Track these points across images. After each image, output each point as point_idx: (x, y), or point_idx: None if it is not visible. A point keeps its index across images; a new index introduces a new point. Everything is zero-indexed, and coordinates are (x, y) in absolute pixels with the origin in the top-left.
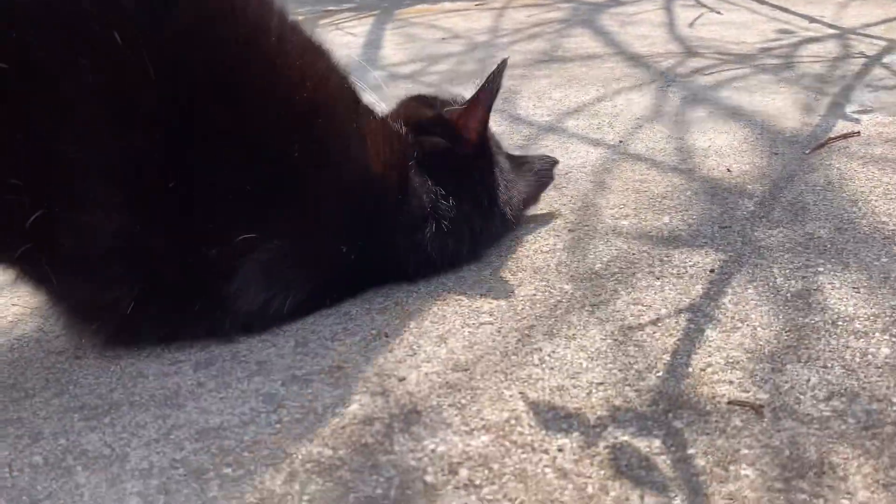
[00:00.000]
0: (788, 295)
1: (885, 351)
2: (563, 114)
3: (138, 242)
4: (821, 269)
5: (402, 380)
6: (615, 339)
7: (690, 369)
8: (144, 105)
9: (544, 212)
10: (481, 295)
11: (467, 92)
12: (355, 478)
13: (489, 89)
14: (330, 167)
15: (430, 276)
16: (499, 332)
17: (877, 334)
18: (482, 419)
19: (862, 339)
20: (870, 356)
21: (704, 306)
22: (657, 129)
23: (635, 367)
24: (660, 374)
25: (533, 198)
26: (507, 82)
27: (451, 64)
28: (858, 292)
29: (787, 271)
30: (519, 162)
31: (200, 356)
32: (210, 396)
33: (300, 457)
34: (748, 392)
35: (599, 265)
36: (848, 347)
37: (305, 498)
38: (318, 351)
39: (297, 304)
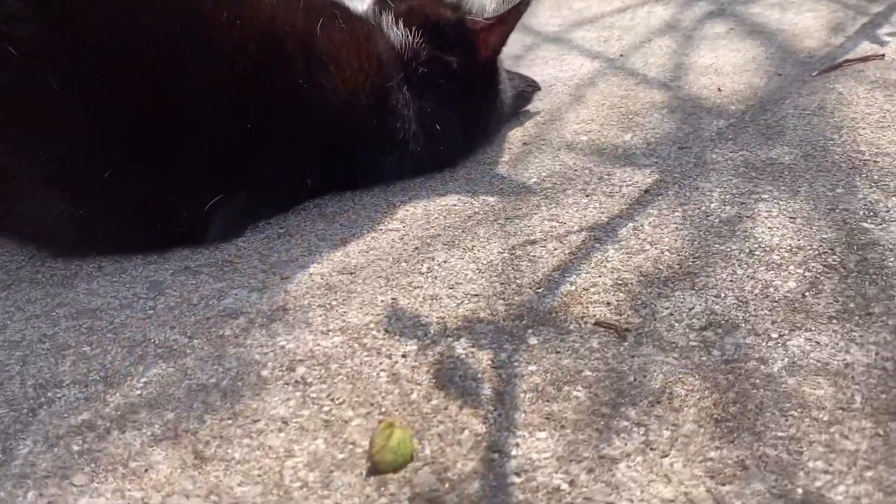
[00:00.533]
0: (717, 221)
1: (791, 285)
2: (574, 24)
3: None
4: (765, 195)
5: (285, 278)
6: (512, 254)
7: (573, 288)
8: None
9: (509, 123)
10: (402, 202)
11: None
12: (196, 366)
13: (519, 10)
14: (280, 95)
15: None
16: (401, 239)
17: (790, 267)
18: (343, 321)
19: (772, 272)
20: (771, 289)
21: (619, 226)
22: (665, 44)
23: (518, 281)
24: (540, 290)
25: (504, 118)
26: None
27: None
28: (794, 222)
29: (728, 196)
30: (508, 77)
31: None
32: (104, 280)
33: (155, 342)
34: (621, 315)
35: (535, 180)
36: (752, 279)
37: (143, 380)
38: (218, 246)
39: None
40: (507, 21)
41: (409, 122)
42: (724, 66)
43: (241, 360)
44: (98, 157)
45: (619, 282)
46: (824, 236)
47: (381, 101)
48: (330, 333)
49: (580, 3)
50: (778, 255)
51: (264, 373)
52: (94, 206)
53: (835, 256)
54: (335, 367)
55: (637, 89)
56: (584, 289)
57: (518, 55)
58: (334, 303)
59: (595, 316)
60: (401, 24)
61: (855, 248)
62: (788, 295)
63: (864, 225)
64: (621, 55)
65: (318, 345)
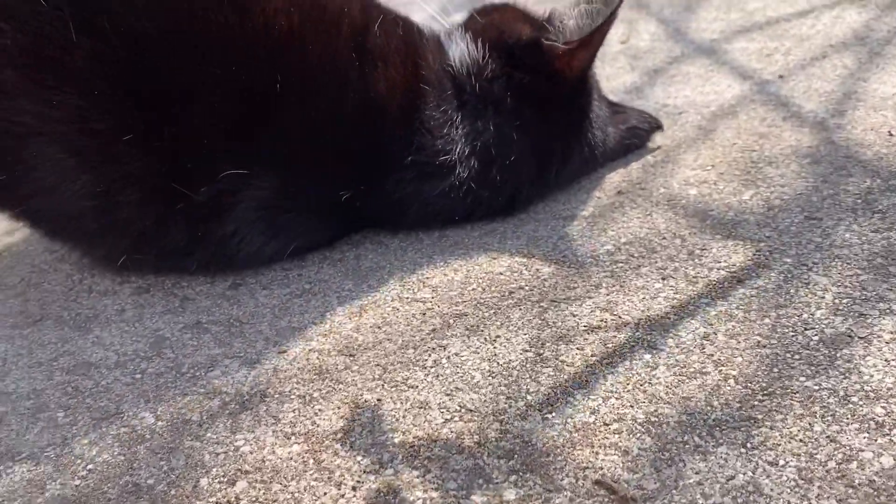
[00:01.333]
0: (815, 339)
1: (886, 463)
2: (739, 31)
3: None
4: (895, 305)
5: (282, 352)
6: (538, 354)
7: (592, 419)
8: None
9: (611, 163)
10: (446, 262)
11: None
12: (145, 458)
13: (604, 30)
14: (316, 92)
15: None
16: (423, 314)
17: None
18: (312, 424)
19: (865, 436)
20: (855, 465)
21: (686, 330)
22: (841, 62)
23: (529, 397)
24: (549, 415)
25: (612, 158)
26: None
27: None
28: None
29: (844, 302)
30: (614, 111)
31: (146, 281)
32: (116, 327)
33: (124, 418)
34: (635, 474)
35: (609, 247)
36: (833, 442)
37: (90, 466)
38: (240, 299)
39: (296, 250)
40: (592, 43)
41: (458, 142)
42: None
43: (190, 459)
44: (116, 119)
45: (654, 419)
46: None
47: (423, 112)
48: (292, 439)
49: (755, 4)
50: (884, 407)
51: (203, 482)
52: (113, 181)
53: None
54: (276, 489)
55: (783, 126)
56: (604, 423)
57: (658, 69)
58: (315, 394)
59: (601, 470)
60: (468, 37)
61: None
62: (877, 479)
63: None
64: (781, 76)
65: (274, 453)
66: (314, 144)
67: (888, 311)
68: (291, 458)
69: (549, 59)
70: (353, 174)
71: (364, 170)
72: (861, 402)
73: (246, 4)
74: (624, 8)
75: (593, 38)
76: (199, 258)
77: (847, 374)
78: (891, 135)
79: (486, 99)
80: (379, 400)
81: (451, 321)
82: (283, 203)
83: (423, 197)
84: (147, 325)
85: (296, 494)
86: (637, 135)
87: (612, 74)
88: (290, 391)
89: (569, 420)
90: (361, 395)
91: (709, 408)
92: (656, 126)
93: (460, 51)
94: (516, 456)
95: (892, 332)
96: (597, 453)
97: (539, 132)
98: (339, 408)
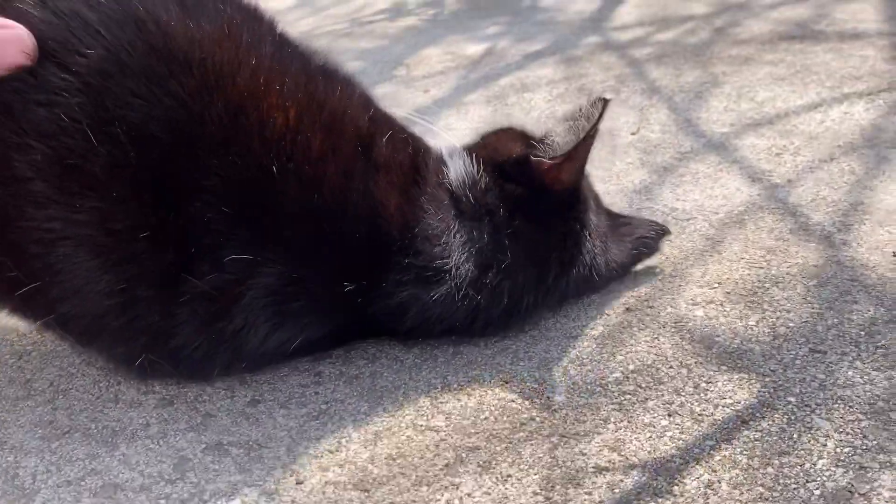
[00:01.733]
0: (816, 493)
1: None
2: (748, 125)
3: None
4: (895, 457)
5: (299, 483)
6: (546, 497)
7: None
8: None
9: (620, 278)
10: (459, 386)
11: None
12: None
13: (587, 144)
14: (323, 192)
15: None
16: (437, 445)
17: None
18: None
19: None
20: None
21: (690, 476)
22: (848, 167)
23: None
24: None
25: (620, 271)
26: (719, 68)
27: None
28: None
29: (846, 451)
30: (618, 223)
31: (169, 392)
32: (142, 444)
33: None
34: None
35: (618, 375)
36: None
37: None
38: (259, 417)
39: (303, 344)
40: (576, 156)
41: (455, 250)
42: None
43: None
44: (133, 218)
45: None
46: None
47: (421, 220)
48: None
49: (766, 93)
50: None
51: None
52: (131, 277)
53: None
54: None
55: (790, 240)
56: None
57: (667, 166)
58: None
59: None
60: (465, 155)
61: None
62: None
63: None
64: (789, 180)
65: None
66: (318, 234)
67: (888, 463)
68: None
69: (538, 174)
70: (356, 268)
71: (365, 265)
72: None
73: (240, 103)
74: (636, 94)
75: (577, 152)
76: (211, 355)
77: None
78: (894, 255)
79: (481, 209)
80: None
81: (464, 455)
82: (289, 291)
83: (422, 301)
84: (171, 443)
85: None
86: (646, 244)
87: (623, 171)
88: None
89: None
90: None
91: None
92: (663, 232)
93: (457, 167)
94: None
95: (891, 489)
96: None
97: (534, 242)
98: None
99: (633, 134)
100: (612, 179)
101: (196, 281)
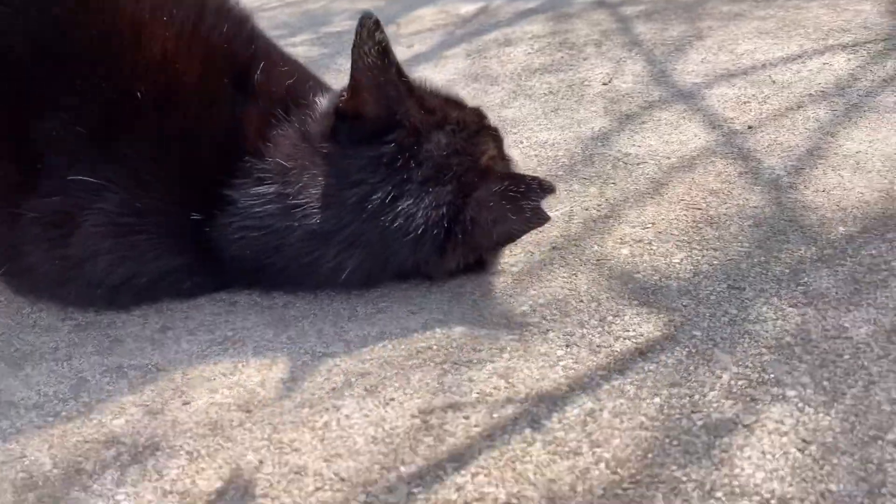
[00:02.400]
0: (700, 423)
1: None
2: (722, 75)
3: None
4: (792, 393)
5: (186, 403)
6: (425, 422)
7: (454, 496)
8: None
9: (559, 211)
10: (367, 314)
11: None
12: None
13: (356, 67)
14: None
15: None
16: (329, 370)
17: None
18: (191, 482)
19: None
20: None
21: (573, 405)
22: (815, 115)
23: (403, 468)
24: (415, 489)
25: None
26: (706, 23)
27: None
28: (804, 452)
29: (740, 384)
30: (509, 176)
31: (86, 318)
32: (46, 366)
33: (24, 463)
34: None
35: (525, 308)
36: None
37: None
38: (165, 343)
39: (156, 281)
40: (357, 85)
41: (295, 181)
42: (871, 159)
43: None
44: None
45: (514, 501)
46: (836, 488)
47: (276, 148)
48: (168, 498)
49: (747, 45)
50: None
51: None
52: None
53: None
54: None
55: (737, 182)
56: (465, 502)
57: (631, 114)
58: (203, 451)
59: None
60: (335, 96)
61: None
62: None
63: None
64: (750, 127)
65: None
66: (170, 161)
67: (781, 396)
68: None
69: (343, 111)
70: (206, 197)
71: (216, 194)
72: (724, 499)
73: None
74: (616, 48)
75: (353, 79)
76: (63, 280)
77: (719, 466)
78: (839, 205)
79: (322, 143)
80: (260, 462)
81: (353, 380)
82: (131, 222)
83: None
84: (74, 365)
85: None
86: (529, 209)
87: (584, 119)
88: (181, 445)
89: (432, 496)
90: (245, 456)
91: (571, 493)
92: (548, 188)
93: (322, 105)
94: None
95: (777, 421)
96: None
97: (346, 167)
98: (220, 467)
99: (604, 84)
100: (571, 127)
101: (38, 200)
